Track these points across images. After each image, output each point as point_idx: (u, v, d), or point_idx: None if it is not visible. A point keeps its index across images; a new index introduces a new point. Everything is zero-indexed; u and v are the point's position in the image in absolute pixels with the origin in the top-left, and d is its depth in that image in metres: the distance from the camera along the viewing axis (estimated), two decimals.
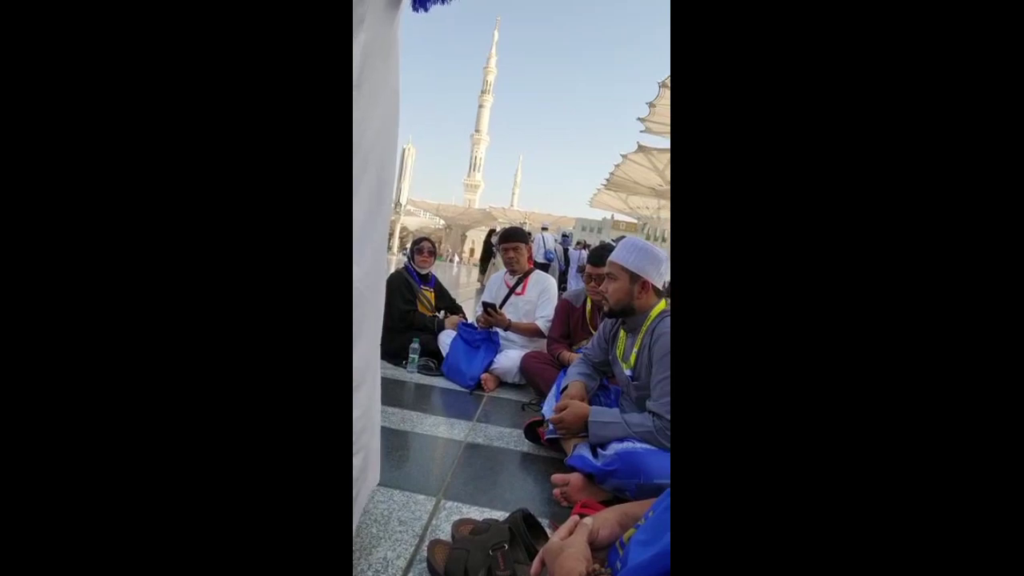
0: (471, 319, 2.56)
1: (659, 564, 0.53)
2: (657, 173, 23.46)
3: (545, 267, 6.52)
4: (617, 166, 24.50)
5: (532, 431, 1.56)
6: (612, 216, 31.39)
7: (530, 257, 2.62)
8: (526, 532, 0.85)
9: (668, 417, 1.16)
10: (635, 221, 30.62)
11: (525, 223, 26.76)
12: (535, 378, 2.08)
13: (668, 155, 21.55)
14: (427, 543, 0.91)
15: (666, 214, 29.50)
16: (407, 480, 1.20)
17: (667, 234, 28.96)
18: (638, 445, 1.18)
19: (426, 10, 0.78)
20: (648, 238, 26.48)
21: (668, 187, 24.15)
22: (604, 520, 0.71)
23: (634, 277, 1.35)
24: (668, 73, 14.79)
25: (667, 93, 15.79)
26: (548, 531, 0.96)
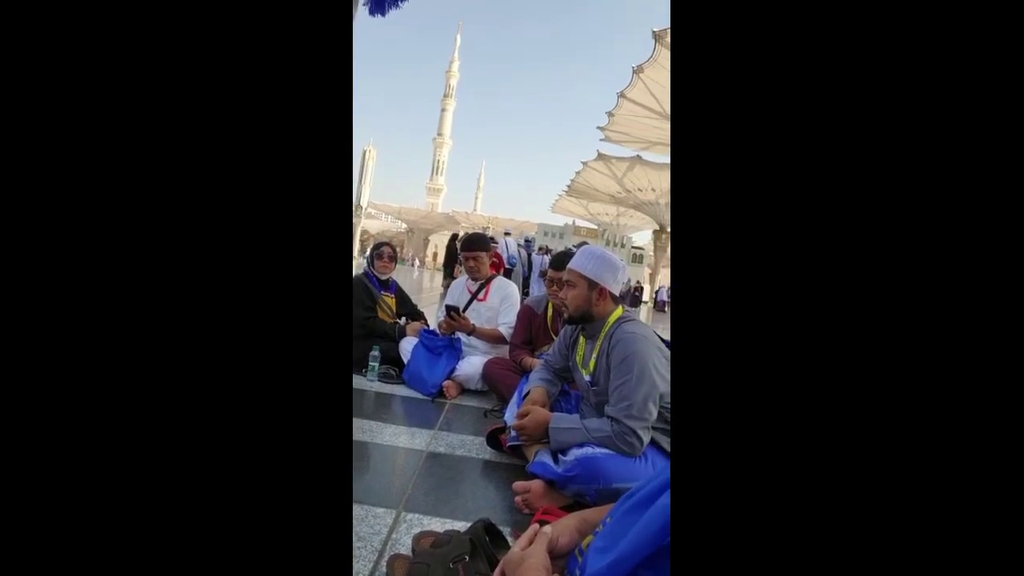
0: (433, 325, 2.53)
1: (616, 571, 0.54)
2: (616, 181, 24.05)
3: (508, 272, 6.54)
4: (578, 173, 24.97)
5: (494, 438, 1.56)
6: (574, 222, 31.91)
7: (497, 263, 2.62)
8: (487, 542, 0.84)
9: (627, 422, 1.19)
10: (596, 227, 31.23)
11: (488, 228, 26.75)
12: (498, 384, 2.08)
13: (626, 164, 22.17)
14: (387, 558, 0.89)
15: (625, 220, 30.28)
16: (366, 493, 1.17)
17: (626, 240, 29.75)
18: (597, 450, 1.20)
19: (383, 14, 0.77)
20: (608, 244, 27.09)
21: (626, 194, 24.84)
22: (564, 528, 0.72)
23: (592, 284, 1.38)
24: (628, 83, 15.24)
25: (626, 103, 16.26)
26: (510, 540, 0.96)
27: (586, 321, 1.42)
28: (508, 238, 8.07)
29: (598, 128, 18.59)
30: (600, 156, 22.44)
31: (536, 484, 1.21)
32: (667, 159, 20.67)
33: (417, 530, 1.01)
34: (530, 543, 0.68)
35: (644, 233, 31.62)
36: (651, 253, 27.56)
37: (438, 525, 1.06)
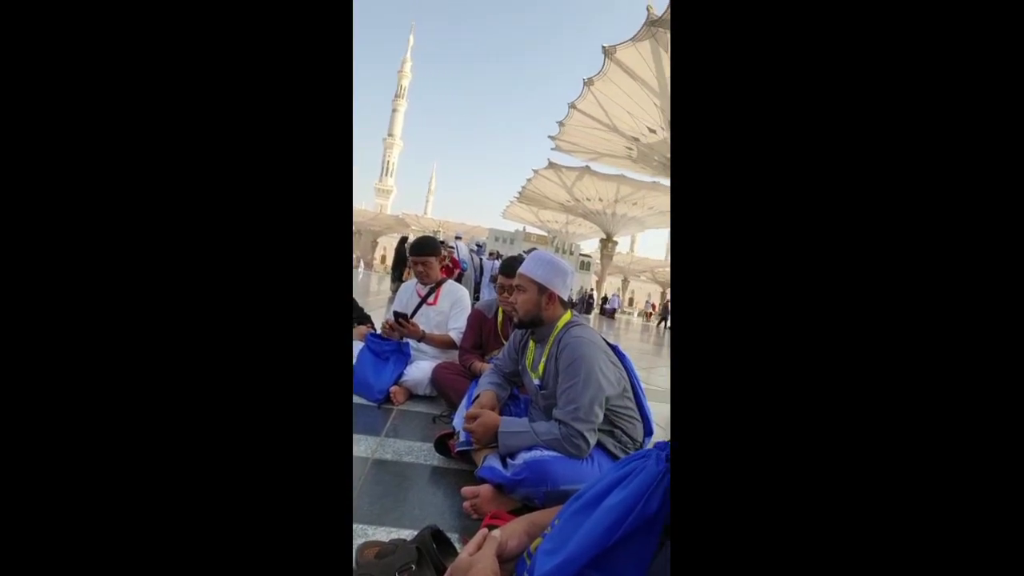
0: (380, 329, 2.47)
1: (564, 572, 0.55)
2: (566, 190, 24.59)
3: (459, 276, 6.50)
4: (529, 180, 25.30)
5: (443, 444, 1.54)
6: (524, 228, 32.26)
7: (447, 267, 2.59)
8: (435, 550, 0.83)
9: (574, 425, 1.21)
10: (546, 234, 31.75)
11: (439, 231, 26.49)
12: (446, 389, 2.05)
13: (575, 173, 22.73)
14: None
15: (574, 228, 30.99)
16: None
17: (574, 247, 30.43)
18: (545, 453, 1.22)
19: None
20: (557, 251, 27.59)
21: (575, 203, 25.45)
22: (512, 531, 0.72)
23: (542, 289, 1.40)
24: (579, 95, 15.64)
25: (576, 114, 16.68)
26: (458, 546, 0.95)
27: (536, 325, 1.43)
28: (459, 242, 8.03)
29: (549, 137, 18.95)
30: (551, 165, 22.86)
31: (484, 489, 1.20)
32: (614, 171, 21.41)
33: (362, 540, 0.98)
34: (479, 548, 0.68)
35: (592, 241, 32.50)
36: (598, 261, 28.33)
37: (384, 535, 1.03)
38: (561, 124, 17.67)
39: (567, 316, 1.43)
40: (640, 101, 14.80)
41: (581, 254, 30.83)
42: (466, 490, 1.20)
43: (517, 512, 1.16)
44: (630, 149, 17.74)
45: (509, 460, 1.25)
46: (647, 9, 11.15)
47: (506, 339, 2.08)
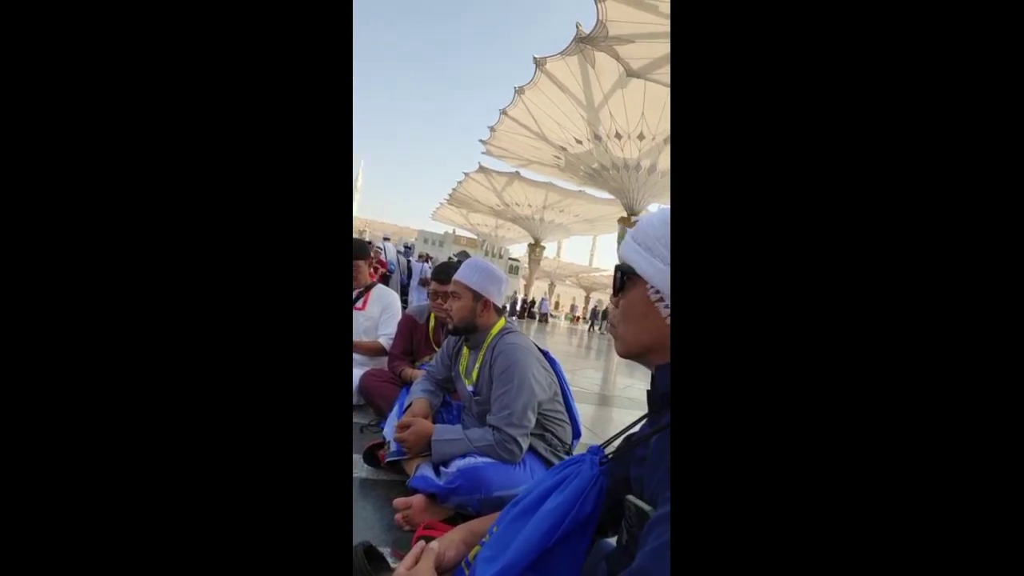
0: None
1: None
2: (496, 194, 24.79)
3: (386, 279, 6.31)
4: (460, 183, 25.19)
5: (372, 454, 1.49)
6: (454, 231, 32.05)
7: (375, 270, 2.51)
8: (367, 566, 0.80)
9: (507, 430, 1.23)
10: (475, 237, 31.77)
11: (365, 232, 25.52)
12: (375, 398, 1.99)
13: (505, 179, 23.01)
14: None
15: (503, 232, 31.32)
16: None
17: (503, 251, 30.76)
18: (479, 460, 1.23)
19: None
20: (487, 254, 27.71)
21: (505, 208, 25.74)
22: (449, 542, 0.72)
23: (477, 296, 1.41)
24: (510, 102, 15.86)
25: (507, 120, 16.91)
26: (391, 561, 0.93)
27: (470, 332, 1.44)
28: (387, 243, 7.81)
29: (481, 141, 19.02)
30: (481, 168, 22.94)
31: (417, 499, 1.19)
32: (543, 178, 21.95)
33: None
34: (416, 561, 0.67)
35: (520, 246, 33.04)
36: (526, 265, 28.86)
37: None
38: (492, 129, 17.82)
39: (501, 323, 1.45)
40: (568, 112, 15.32)
41: (510, 258, 31.25)
42: (398, 501, 1.18)
43: (451, 521, 1.16)
44: (558, 158, 18.29)
45: (442, 468, 1.24)
46: (576, 26, 11.61)
47: (438, 345, 2.06)
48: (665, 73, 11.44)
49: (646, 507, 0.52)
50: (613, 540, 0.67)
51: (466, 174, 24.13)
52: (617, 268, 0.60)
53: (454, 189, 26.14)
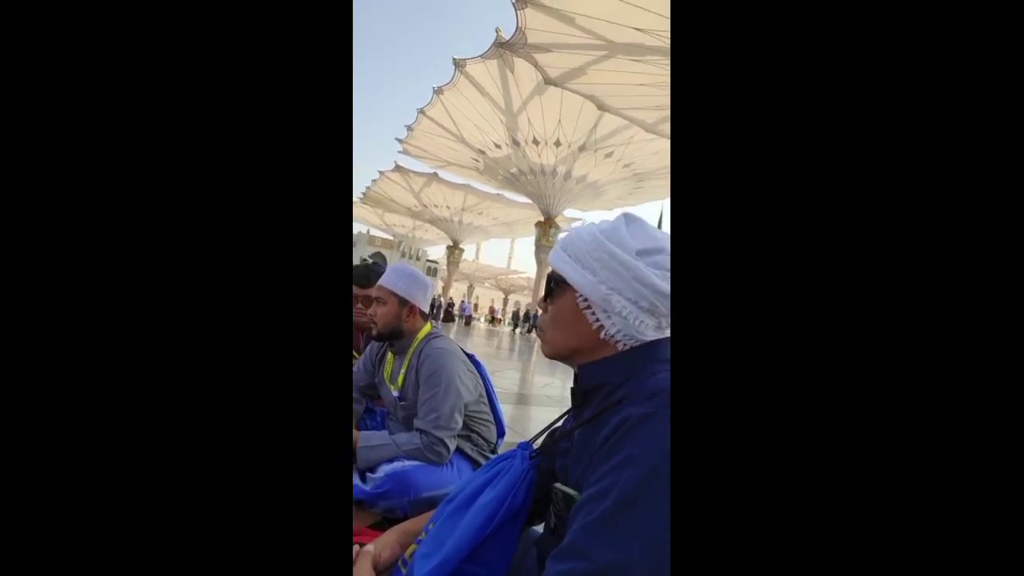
0: None
1: (443, 571, 0.60)
2: (413, 195, 24.32)
3: None
4: (375, 181, 24.35)
5: None
6: (368, 231, 30.86)
7: None
8: None
9: (435, 433, 1.26)
10: (392, 238, 30.87)
11: None
12: None
13: (423, 179, 22.67)
14: None
15: (421, 234, 30.78)
16: None
17: (421, 253, 30.23)
18: (407, 463, 1.24)
19: None
20: (404, 256, 27.02)
21: (423, 209, 25.34)
22: (384, 543, 0.74)
23: (403, 301, 1.42)
24: (428, 102, 15.65)
25: (425, 120, 16.67)
26: None
27: (395, 338, 1.44)
28: None
29: (397, 140, 18.55)
30: (398, 168, 22.37)
31: None
32: (462, 180, 21.95)
33: None
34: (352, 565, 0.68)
35: (439, 247, 32.69)
36: (445, 267, 28.62)
37: None
38: (410, 128, 17.47)
39: (427, 328, 1.47)
40: (488, 116, 15.49)
41: (428, 260, 30.78)
42: None
43: (378, 526, 1.16)
44: (477, 161, 18.40)
45: (369, 474, 1.24)
46: (496, 31, 11.79)
47: (359, 352, 2.01)
48: (581, 83, 12.00)
49: (573, 492, 0.59)
50: (539, 528, 0.73)
51: (381, 173, 23.39)
52: (549, 276, 0.66)
53: (368, 188, 25.21)
